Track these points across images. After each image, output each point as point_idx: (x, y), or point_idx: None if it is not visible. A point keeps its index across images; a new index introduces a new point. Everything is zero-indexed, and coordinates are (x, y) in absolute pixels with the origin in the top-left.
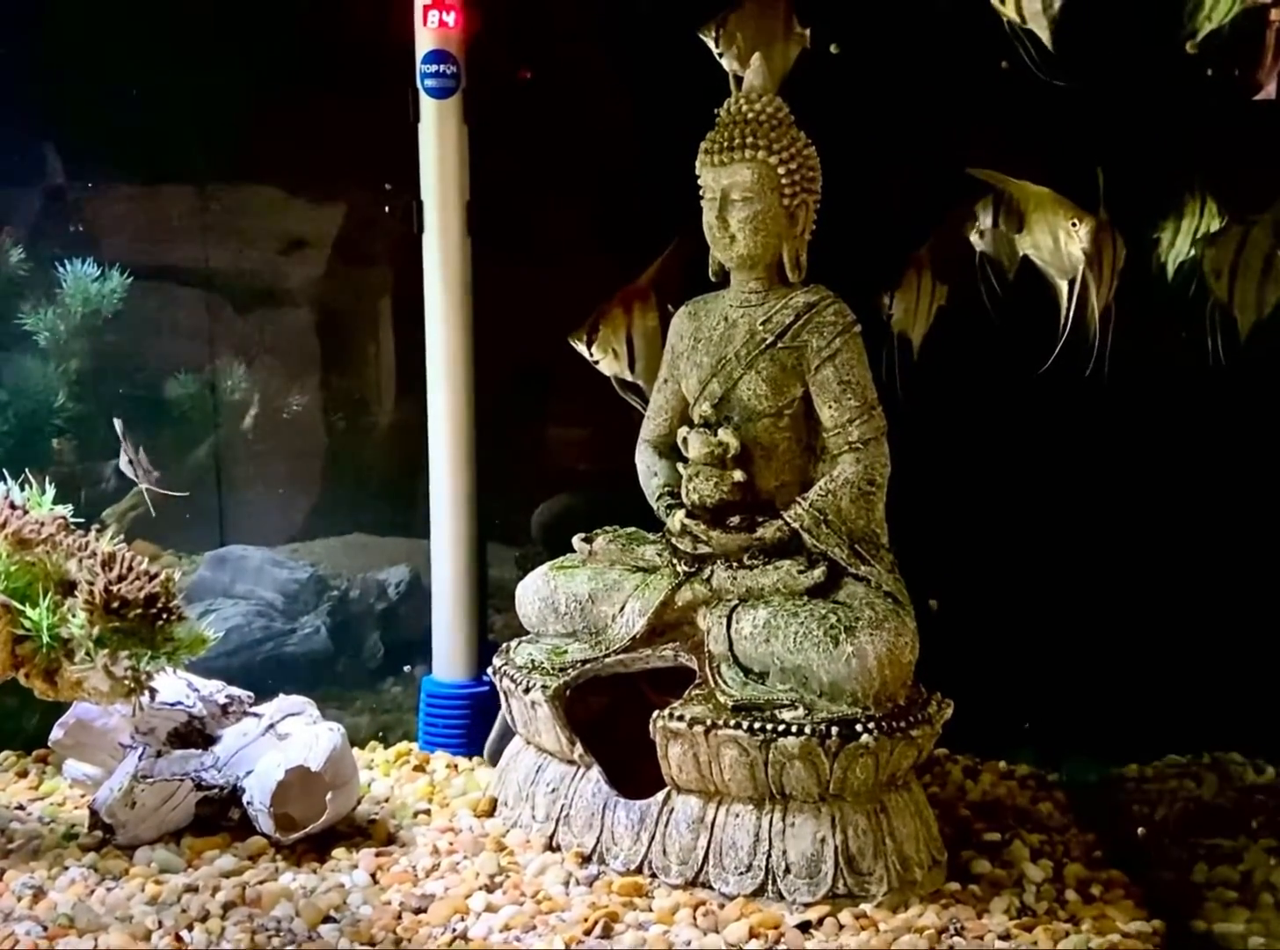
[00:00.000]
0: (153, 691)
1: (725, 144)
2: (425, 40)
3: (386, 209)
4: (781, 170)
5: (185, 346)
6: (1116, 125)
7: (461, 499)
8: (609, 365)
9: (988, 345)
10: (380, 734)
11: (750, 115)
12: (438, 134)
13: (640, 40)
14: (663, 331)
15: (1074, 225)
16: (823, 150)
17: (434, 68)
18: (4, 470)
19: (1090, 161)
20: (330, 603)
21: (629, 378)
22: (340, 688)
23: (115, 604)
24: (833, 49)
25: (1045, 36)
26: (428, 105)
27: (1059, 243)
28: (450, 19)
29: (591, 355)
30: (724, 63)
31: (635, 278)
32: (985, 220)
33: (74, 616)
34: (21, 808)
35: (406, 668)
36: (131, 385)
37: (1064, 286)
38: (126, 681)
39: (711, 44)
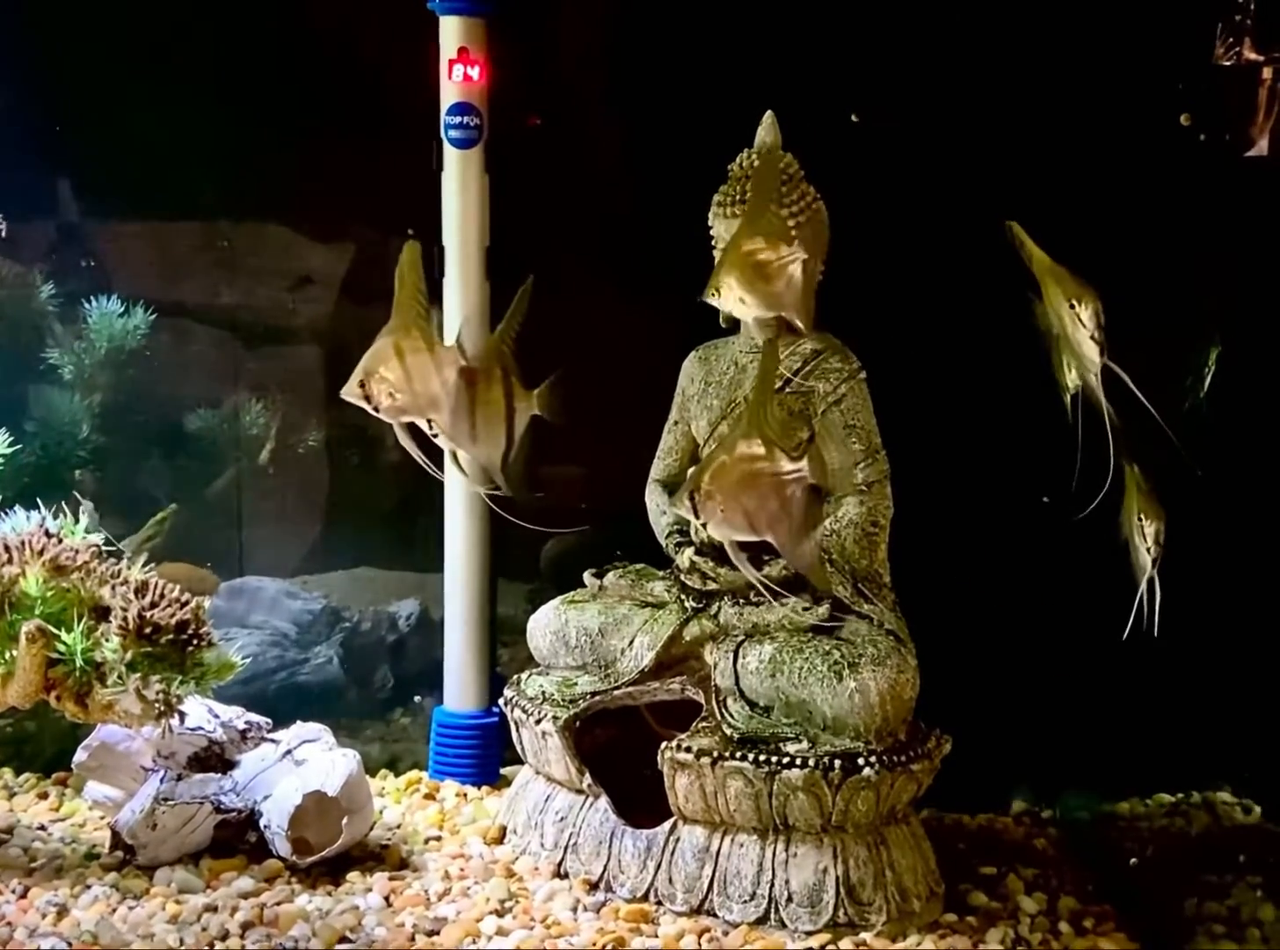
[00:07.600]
0: (182, 714)
1: (737, 197)
2: (450, 93)
3: None
4: (791, 223)
5: (207, 382)
6: None
7: (474, 534)
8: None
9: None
10: (391, 762)
11: None
12: (460, 182)
13: (656, 94)
14: (506, 402)
15: (1072, 306)
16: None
17: (458, 119)
18: (37, 499)
19: None
20: (342, 634)
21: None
22: (351, 717)
23: (148, 629)
24: (853, 118)
25: None
26: (451, 155)
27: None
28: (474, 73)
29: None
30: None
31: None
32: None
33: (107, 641)
34: (43, 828)
35: (417, 698)
36: (154, 418)
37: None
38: (157, 704)
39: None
